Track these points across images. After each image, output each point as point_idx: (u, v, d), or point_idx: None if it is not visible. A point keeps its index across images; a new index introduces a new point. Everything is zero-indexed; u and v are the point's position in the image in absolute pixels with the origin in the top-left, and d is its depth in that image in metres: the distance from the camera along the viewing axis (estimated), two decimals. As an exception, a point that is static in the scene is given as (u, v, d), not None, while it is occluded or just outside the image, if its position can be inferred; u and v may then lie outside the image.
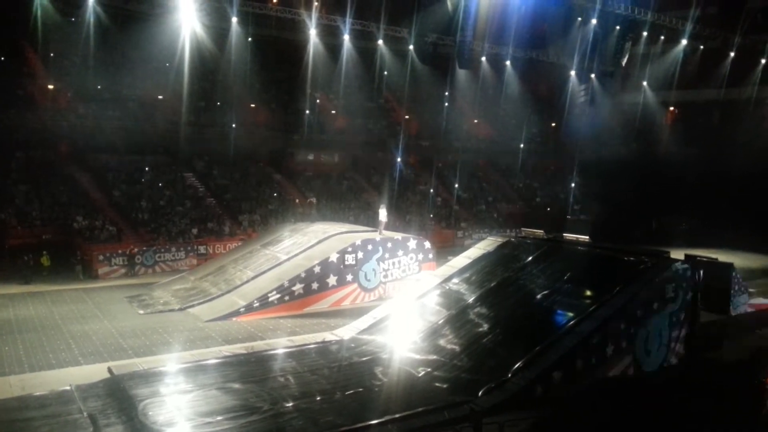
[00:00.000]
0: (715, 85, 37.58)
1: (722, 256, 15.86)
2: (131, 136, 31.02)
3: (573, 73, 38.85)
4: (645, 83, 40.89)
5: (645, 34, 37.24)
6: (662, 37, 38.07)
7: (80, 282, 23.76)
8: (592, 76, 38.56)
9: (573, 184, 40.11)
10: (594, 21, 33.56)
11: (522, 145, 41.90)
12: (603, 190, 36.79)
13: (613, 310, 11.94)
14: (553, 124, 45.48)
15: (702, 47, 38.05)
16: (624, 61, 37.26)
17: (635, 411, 9.60)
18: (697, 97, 39.72)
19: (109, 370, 11.97)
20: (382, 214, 23.00)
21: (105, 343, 14.85)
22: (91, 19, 27.95)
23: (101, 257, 25.07)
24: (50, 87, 30.92)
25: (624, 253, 14.78)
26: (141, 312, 18.65)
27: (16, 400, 10.57)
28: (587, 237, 17.69)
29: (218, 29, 31.34)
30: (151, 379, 11.34)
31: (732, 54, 36.47)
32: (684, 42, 36.51)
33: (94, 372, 12.02)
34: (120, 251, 25.59)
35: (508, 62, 38.93)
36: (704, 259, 13.83)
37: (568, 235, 18.74)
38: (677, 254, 14.07)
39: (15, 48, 30.33)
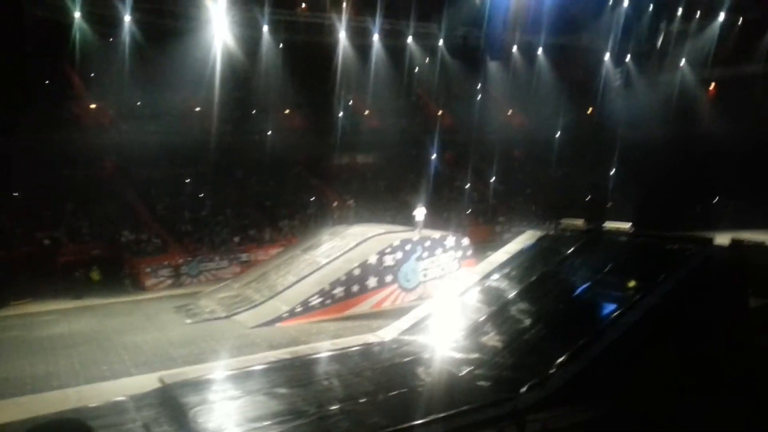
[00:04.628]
0: (757, 58, 36.17)
1: (772, 238, 15.29)
2: (172, 149, 31.80)
3: (607, 56, 37.96)
4: (683, 61, 39.64)
5: (680, 10, 36.19)
6: (698, 12, 36.94)
7: (129, 295, 24.48)
8: (628, 58, 37.62)
9: (613, 171, 39.21)
10: (626, 2, 32.83)
11: (558, 134, 41.18)
12: (644, 175, 35.86)
13: (657, 299, 11.73)
14: (590, 110, 44.57)
15: (741, 18, 36.71)
16: (659, 41, 36.31)
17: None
18: (738, 72, 38.28)
19: (161, 379, 12.34)
20: (420, 213, 23.02)
21: (155, 354, 15.28)
22: (128, 38, 28.73)
23: (148, 269, 25.79)
24: (93, 106, 31.97)
25: (666, 240, 14.42)
26: (188, 321, 19.13)
27: (72, 412, 10.90)
28: (629, 225, 17.30)
29: (250, 38, 31.83)
30: (201, 387, 11.64)
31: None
32: (722, 15, 35.29)
33: (146, 382, 12.36)
34: (166, 263, 26.30)
35: (540, 50, 38.30)
36: (752, 243, 13.39)
37: (609, 224, 18.38)
38: (724, 238, 13.66)
39: (58, 72, 31.41)
